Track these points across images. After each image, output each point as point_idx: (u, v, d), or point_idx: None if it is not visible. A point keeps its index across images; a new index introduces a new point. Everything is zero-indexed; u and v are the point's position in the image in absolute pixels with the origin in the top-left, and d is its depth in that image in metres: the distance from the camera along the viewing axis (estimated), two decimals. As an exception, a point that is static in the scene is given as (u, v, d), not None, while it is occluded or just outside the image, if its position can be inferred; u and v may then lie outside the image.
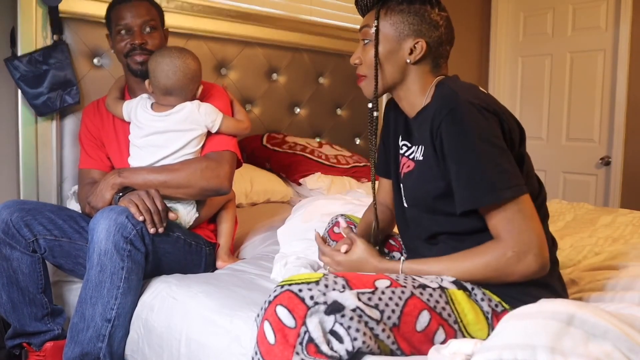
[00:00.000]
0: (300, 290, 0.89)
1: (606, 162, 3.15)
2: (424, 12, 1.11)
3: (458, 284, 1.01)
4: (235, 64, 2.44)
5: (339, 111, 2.89)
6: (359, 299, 0.90)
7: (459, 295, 1.00)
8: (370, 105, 1.18)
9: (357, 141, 3.00)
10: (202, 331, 1.22)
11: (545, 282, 1.04)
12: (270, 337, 0.88)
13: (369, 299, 0.91)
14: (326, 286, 0.90)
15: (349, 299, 0.89)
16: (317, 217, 1.61)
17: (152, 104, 1.56)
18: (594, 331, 0.74)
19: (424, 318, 0.95)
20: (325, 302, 0.88)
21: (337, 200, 1.77)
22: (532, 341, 0.73)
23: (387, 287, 0.94)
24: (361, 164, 2.58)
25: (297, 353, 0.86)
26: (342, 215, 1.44)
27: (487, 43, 3.64)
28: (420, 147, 1.12)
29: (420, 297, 0.96)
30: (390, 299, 0.93)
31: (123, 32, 1.57)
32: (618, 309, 0.85)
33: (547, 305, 0.79)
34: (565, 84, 3.34)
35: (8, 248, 1.40)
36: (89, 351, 1.32)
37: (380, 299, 0.92)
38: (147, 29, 1.58)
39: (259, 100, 2.55)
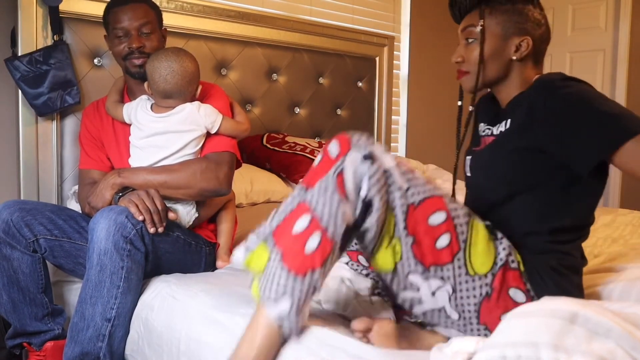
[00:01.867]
0: (352, 136, 1.00)
1: (606, 162, 3.15)
2: (528, 11, 1.15)
3: (489, 227, 1.07)
4: (235, 64, 2.44)
5: (339, 111, 2.90)
6: (397, 165, 1.00)
7: (480, 229, 1.04)
8: (458, 101, 1.28)
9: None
10: (202, 329, 1.22)
11: (569, 281, 1.08)
12: (316, 160, 1.03)
13: (404, 172, 1.01)
14: (375, 144, 1.00)
15: (387, 159, 1.00)
16: None
17: (152, 105, 1.56)
18: (597, 329, 0.74)
19: (440, 216, 1.01)
20: (365, 149, 0.98)
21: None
22: (535, 339, 0.73)
23: (423, 179, 1.03)
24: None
25: (328, 176, 0.98)
26: None
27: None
28: (505, 122, 1.16)
29: (446, 202, 1.02)
30: (422, 185, 1.01)
31: (121, 35, 1.57)
32: (622, 308, 0.85)
33: (549, 304, 0.79)
34: (565, 84, 3.33)
35: (8, 248, 1.41)
36: (89, 351, 1.32)
37: (411, 179, 1.01)
38: (145, 32, 1.58)
39: (259, 101, 2.55)
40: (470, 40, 1.19)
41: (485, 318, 1.03)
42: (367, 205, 0.99)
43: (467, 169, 1.25)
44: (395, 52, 3.17)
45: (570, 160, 1.03)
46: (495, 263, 1.03)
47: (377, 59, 3.02)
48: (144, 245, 1.36)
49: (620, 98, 3.09)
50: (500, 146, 1.14)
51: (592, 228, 1.94)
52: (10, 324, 1.50)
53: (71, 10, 1.92)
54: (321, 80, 2.80)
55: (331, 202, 0.96)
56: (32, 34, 1.84)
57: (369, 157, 0.97)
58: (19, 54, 1.81)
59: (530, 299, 1.03)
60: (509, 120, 1.14)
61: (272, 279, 0.96)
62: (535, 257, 1.07)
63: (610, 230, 1.91)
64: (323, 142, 2.65)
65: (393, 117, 3.22)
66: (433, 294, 1.03)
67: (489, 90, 1.25)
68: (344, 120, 2.91)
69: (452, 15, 1.27)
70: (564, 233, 1.09)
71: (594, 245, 1.68)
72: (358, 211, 0.98)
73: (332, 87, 2.83)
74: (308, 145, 2.50)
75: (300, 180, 1.04)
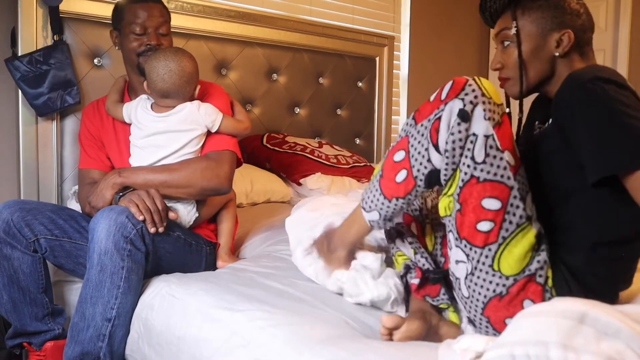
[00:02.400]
0: (471, 87, 0.98)
1: (606, 162, 3.15)
2: (563, 3, 1.11)
3: (540, 236, 1.01)
4: (235, 64, 2.44)
5: (339, 111, 2.89)
6: (486, 138, 0.98)
7: (530, 236, 0.99)
8: (507, 109, 1.18)
9: (357, 141, 3.00)
10: (201, 326, 1.22)
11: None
12: (433, 96, 1.03)
13: (490, 147, 0.99)
14: (484, 105, 0.98)
15: (482, 126, 0.97)
16: (326, 206, 1.58)
17: (152, 105, 1.56)
18: (606, 330, 0.74)
19: (495, 204, 0.98)
20: (463, 106, 0.97)
21: (341, 197, 1.76)
22: (544, 338, 0.73)
23: (507, 162, 1.00)
24: (361, 164, 2.58)
25: (429, 120, 1.01)
26: None
27: (487, 43, 3.64)
28: (549, 120, 1.11)
29: (510, 196, 0.99)
30: (498, 167, 0.99)
31: (138, 30, 1.57)
32: (634, 308, 0.84)
33: (559, 304, 0.79)
34: (565, 84, 3.34)
35: (9, 248, 1.40)
36: (90, 350, 1.32)
37: (494, 157, 0.99)
38: (162, 31, 1.59)
39: (259, 101, 2.55)
40: (506, 44, 1.15)
41: (489, 312, 1.02)
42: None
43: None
44: (395, 52, 3.17)
45: (585, 164, 0.96)
46: (522, 271, 1.00)
47: (377, 59, 3.02)
48: (145, 245, 1.36)
49: (620, 98, 3.09)
50: (540, 147, 1.09)
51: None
52: (11, 324, 1.50)
53: (71, 10, 1.92)
54: (321, 80, 2.80)
55: (422, 145, 1.02)
56: (32, 34, 1.84)
57: (463, 115, 0.97)
58: (19, 54, 1.81)
59: None
60: (550, 120, 1.09)
61: (370, 192, 1.13)
62: (569, 269, 1.02)
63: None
64: (323, 142, 2.65)
65: (393, 117, 3.22)
66: (456, 262, 1.04)
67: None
68: (344, 120, 2.91)
69: (484, 21, 1.23)
70: (604, 247, 1.01)
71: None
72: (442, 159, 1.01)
73: (332, 87, 2.83)
74: (308, 145, 2.50)
75: (416, 110, 1.08)
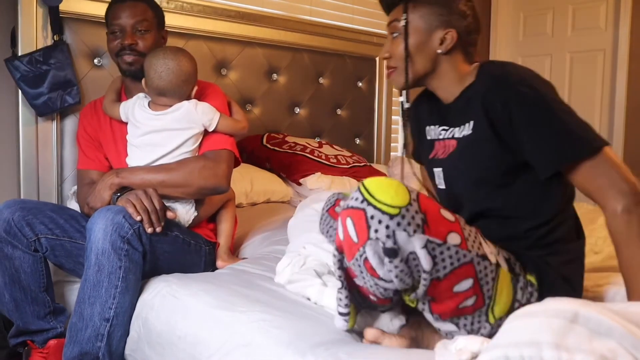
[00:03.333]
0: (372, 218, 0.87)
1: (606, 162, 3.15)
2: (452, 3, 1.15)
3: (510, 264, 1.03)
4: (235, 64, 2.44)
5: (339, 111, 2.89)
6: (425, 247, 0.89)
7: (506, 277, 1.00)
8: (401, 98, 1.23)
9: (357, 141, 3.00)
10: (202, 326, 1.22)
11: (569, 277, 1.08)
12: (340, 233, 0.93)
13: (433, 249, 0.90)
14: (399, 224, 0.87)
15: (413, 243, 0.88)
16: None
17: (149, 103, 1.56)
18: (598, 329, 0.74)
19: (466, 284, 0.95)
20: (383, 244, 0.87)
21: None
22: (537, 338, 0.73)
23: (456, 245, 0.92)
24: (361, 164, 2.58)
25: (356, 259, 0.92)
26: (339, 193, 1.40)
27: (487, 43, 3.64)
28: (464, 125, 1.14)
29: (476, 266, 0.95)
30: (451, 257, 0.92)
31: (116, 31, 1.58)
32: (625, 307, 0.85)
33: (551, 304, 0.79)
34: (565, 84, 3.34)
35: (10, 247, 1.41)
36: (88, 351, 1.32)
37: (442, 253, 0.91)
38: (140, 29, 1.58)
39: (259, 100, 2.55)
40: (394, 35, 1.19)
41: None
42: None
43: (439, 180, 1.22)
44: (395, 52, 3.17)
45: (533, 163, 1.05)
46: (512, 307, 1.01)
47: (377, 59, 3.02)
48: (142, 245, 1.36)
49: (621, 98, 3.09)
50: (473, 151, 1.11)
51: (591, 227, 1.96)
52: (11, 323, 1.51)
53: (71, 10, 1.92)
54: (321, 80, 2.80)
55: (370, 282, 0.95)
56: (32, 34, 1.84)
57: (390, 253, 0.88)
58: (19, 54, 1.81)
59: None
60: (471, 123, 1.11)
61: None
62: (534, 254, 1.06)
63: (610, 229, 1.90)
64: (323, 142, 2.65)
65: (393, 117, 3.22)
66: (446, 333, 1.02)
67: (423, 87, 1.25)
68: (344, 120, 2.91)
69: (382, 8, 1.26)
70: (555, 221, 1.09)
71: (594, 244, 1.68)
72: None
73: (332, 87, 2.83)
74: (308, 145, 2.50)
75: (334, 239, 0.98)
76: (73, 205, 1.76)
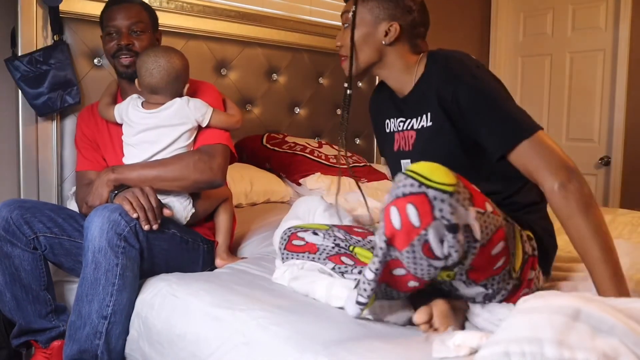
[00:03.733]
0: (434, 199, 0.90)
1: (606, 162, 3.15)
2: None
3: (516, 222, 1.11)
4: (235, 64, 2.44)
5: (339, 111, 2.89)
6: (476, 219, 0.94)
7: (517, 234, 1.08)
8: (345, 84, 1.32)
9: (357, 141, 3.00)
10: (203, 325, 1.22)
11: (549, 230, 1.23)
12: (396, 222, 0.92)
13: (480, 218, 0.95)
14: (458, 200, 0.91)
15: (469, 217, 0.93)
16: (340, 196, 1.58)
17: (142, 103, 1.57)
18: (600, 326, 0.74)
19: (500, 246, 1.00)
20: (449, 221, 0.90)
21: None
22: (538, 335, 0.74)
23: (491, 212, 0.99)
24: (361, 164, 2.58)
25: (413, 245, 0.92)
26: (290, 227, 1.42)
27: (487, 43, 3.64)
28: (421, 116, 1.22)
29: (504, 228, 1.01)
30: (490, 224, 0.97)
31: (112, 32, 1.59)
32: (625, 303, 0.85)
33: (553, 300, 0.80)
34: (565, 84, 3.34)
35: (9, 245, 1.41)
36: (87, 348, 1.33)
37: (485, 221, 0.96)
38: (135, 31, 1.59)
39: (259, 100, 2.55)
40: (345, 26, 1.26)
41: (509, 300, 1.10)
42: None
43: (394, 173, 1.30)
44: (395, 52, 3.17)
45: (485, 148, 1.14)
46: (523, 259, 1.09)
47: (377, 59, 3.02)
48: (139, 242, 1.36)
49: (620, 98, 3.08)
50: (435, 141, 1.19)
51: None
52: (10, 323, 1.51)
53: (71, 10, 1.92)
54: (321, 80, 2.80)
55: (422, 264, 0.95)
56: (32, 34, 1.84)
57: (453, 228, 0.91)
58: (19, 54, 1.81)
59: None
60: (429, 114, 1.20)
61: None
62: (517, 215, 1.15)
63: (610, 229, 1.90)
64: (323, 142, 2.65)
65: (393, 117, 3.22)
66: (474, 296, 1.08)
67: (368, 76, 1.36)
68: (344, 120, 2.91)
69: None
70: (526, 186, 1.21)
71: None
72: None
73: (332, 87, 2.83)
74: (308, 145, 2.50)
75: (382, 229, 0.95)
76: (72, 205, 1.76)
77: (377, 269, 0.97)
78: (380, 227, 0.95)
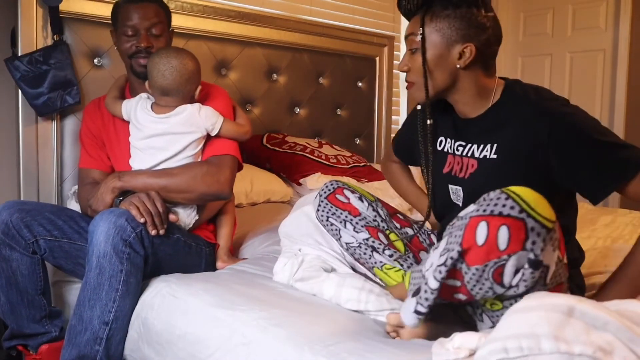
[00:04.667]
0: (532, 230, 0.86)
1: (606, 162, 3.15)
2: (471, 16, 1.11)
3: None
4: (235, 64, 2.44)
5: (339, 111, 2.90)
6: (556, 264, 0.91)
7: (566, 291, 1.03)
8: (418, 108, 1.24)
9: (357, 141, 3.00)
10: (203, 325, 1.22)
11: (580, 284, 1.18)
12: (481, 237, 0.87)
13: (557, 264, 0.93)
14: (551, 238, 0.88)
15: (552, 259, 0.90)
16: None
17: (152, 105, 1.55)
18: (595, 323, 0.75)
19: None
20: (536, 256, 0.86)
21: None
22: (535, 330, 0.74)
23: (565, 263, 0.97)
24: (361, 164, 2.58)
25: (486, 265, 0.88)
26: (337, 181, 1.36)
27: (487, 43, 3.64)
28: (486, 145, 1.14)
29: (565, 285, 0.99)
30: (560, 274, 0.95)
31: (129, 32, 1.56)
32: (617, 304, 0.86)
33: (547, 299, 0.80)
34: (565, 84, 3.34)
35: (8, 249, 1.40)
36: (86, 354, 1.32)
37: (557, 270, 0.93)
38: (154, 32, 1.57)
39: (259, 100, 2.55)
40: (413, 50, 1.16)
41: None
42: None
43: (455, 197, 1.21)
44: (395, 52, 3.17)
45: (583, 190, 1.07)
46: None
47: (377, 59, 3.02)
48: (144, 249, 1.36)
49: (620, 98, 3.09)
50: (501, 175, 1.10)
51: (592, 228, 1.97)
52: (8, 325, 1.50)
53: (71, 10, 1.92)
54: (321, 80, 2.80)
55: (484, 284, 0.91)
56: (32, 34, 1.84)
57: (535, 264, 0.87)
58: (19, 54, 1.81)
59: None
60: (495, 145, 1.12)
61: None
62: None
63: (610, 230, 1.91)
64: (323, 142, 2.65)
65: (393, 117, 3.22)
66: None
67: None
68: (344, 120, 2.91)
69: (402, 14, 1.23)
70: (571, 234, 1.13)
71: (594, 246, 1.69)
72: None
73: (332, 87, 2.83)
74: (308, 145, 2.50)
75: (459, 239, 0.90)
76: (73, 205, 1.76)
77: (442, 278, 0.92)
78: (455, 234, 0.91)
